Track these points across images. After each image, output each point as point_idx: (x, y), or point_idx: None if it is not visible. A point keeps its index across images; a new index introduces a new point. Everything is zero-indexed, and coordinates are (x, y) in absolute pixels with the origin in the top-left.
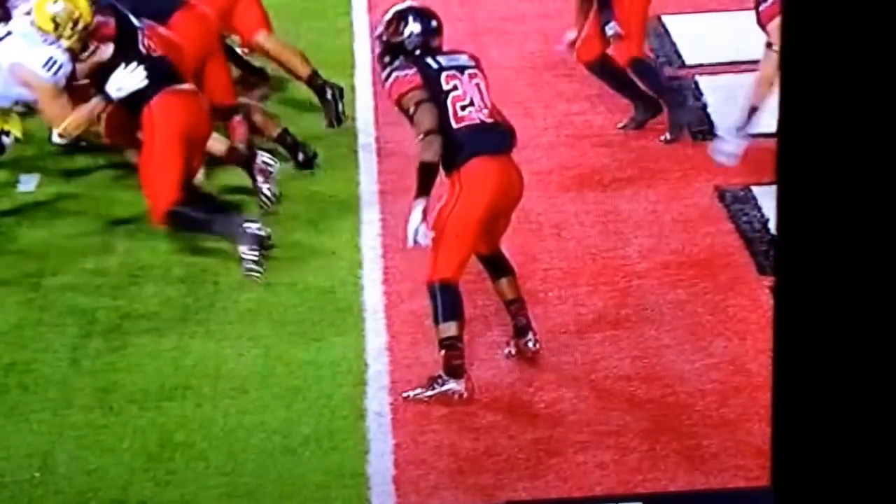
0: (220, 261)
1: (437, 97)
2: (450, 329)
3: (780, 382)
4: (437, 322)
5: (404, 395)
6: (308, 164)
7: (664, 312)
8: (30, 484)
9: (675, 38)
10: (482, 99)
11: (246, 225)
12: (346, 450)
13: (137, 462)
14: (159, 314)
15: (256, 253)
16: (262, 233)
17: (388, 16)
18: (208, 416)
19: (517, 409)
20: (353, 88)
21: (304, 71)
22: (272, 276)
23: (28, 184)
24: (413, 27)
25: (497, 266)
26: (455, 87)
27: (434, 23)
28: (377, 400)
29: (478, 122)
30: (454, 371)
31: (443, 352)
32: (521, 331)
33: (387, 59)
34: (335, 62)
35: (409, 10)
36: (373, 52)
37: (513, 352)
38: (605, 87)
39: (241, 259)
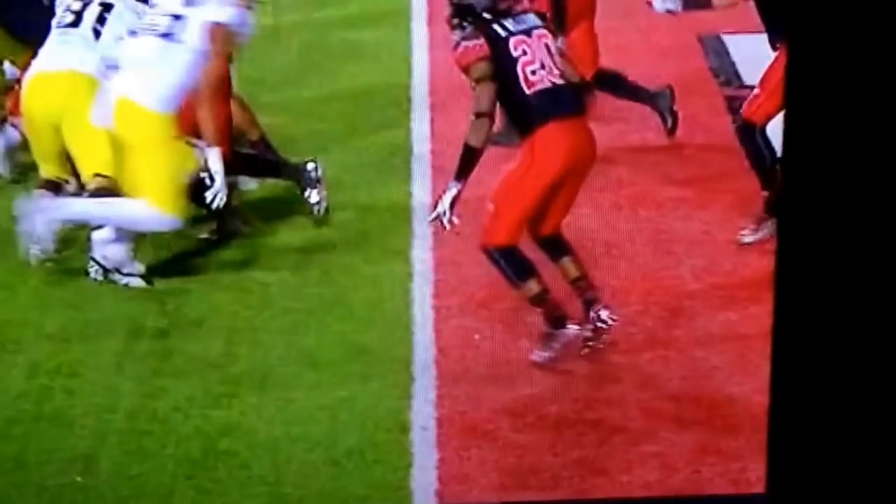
0: (269, 270)
1: (505, 65)
2: (532, 287)
3: (777, 390)
4: (516, 286)
5: (532, 357)
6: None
7: (714, 334)
8: (71, 488)
9: (734, 57)
10: (552, 60)
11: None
12: (390, 463)
13: (180, 469)
14: (207, 321)
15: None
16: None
17: None
18: (253, 425)
19: (563, 426)
20: (409, 100)
21: (255, 134)
22: (322, 288)
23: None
24: None
25: (556, 246)
26: (524, 52)
27: None
28: (422, 414)
29: (550, 85)
30: (558, 321)
31: (539, 310)
32: (590, 304)
33: (455, 20)
34: (392, 74)
35: None
36: (431, 64)
37: (584, 341)
38: None
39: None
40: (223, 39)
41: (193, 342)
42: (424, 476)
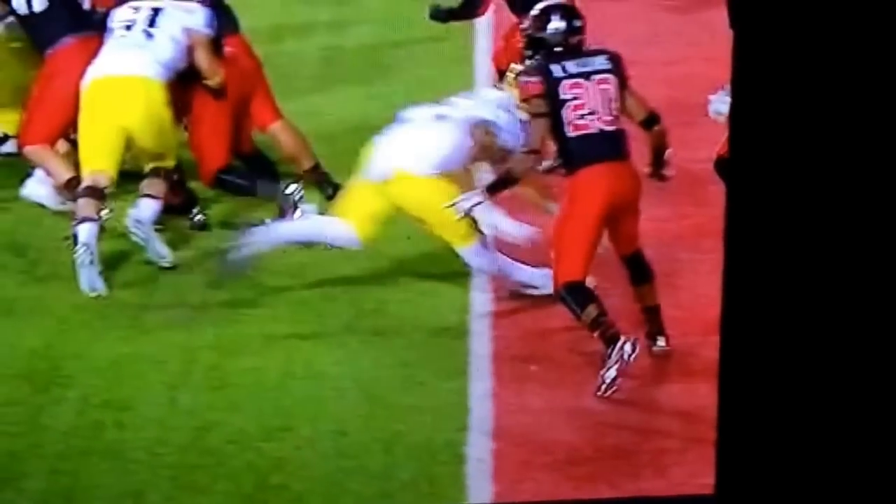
0: (324, 301)
1: (554, 105)
2: (591, 313)
3: (725, 395)
4: (577, 316)
5: (598, 382)
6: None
7: None
8: None
9: None
10: (608, 106)
11: (287, 191)
12: (446, 496)
13: None
14: (261, 353)
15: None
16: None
17: (535, 11)
18: (307, 458)
19: (620, 458)
20: None
21: (308, 163)
22: (380, 319)
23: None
24: (558, 24)
25: (637, 268)
26: (575, 97)
27: (577, 22)
28: (479, 446)
29: (595, 130)
30: (612, 339)
31: (595, 333)
32: (651, 335)
33: (528, 52)
34: (454, 91)
35: (556, 7)
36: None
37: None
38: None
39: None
40: (482, 136)
41: (247, 374)
42: None
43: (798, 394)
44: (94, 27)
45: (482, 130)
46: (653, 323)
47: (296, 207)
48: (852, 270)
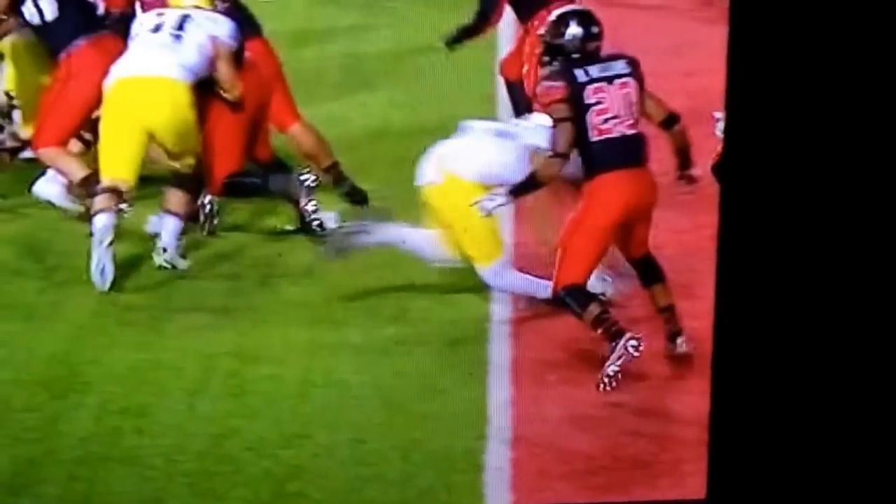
0: (345, 309)
1: (578, 110)
2: (593, 310)
3: (718, 405)
4: (580, 316)
5: (599, 387)
6: (356, 196)
7: None
8: None
9: None
10: (630, 109)
11: (301, 178)
12: None
13: None
14: (282, 359)
15: (315, 202)
16: (316, 183)
17: (553, 17)
18: (324, 466)
19: (638, 468)
20: None
21: (327, 161)
22: (399, 327)
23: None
24: (575, 30)
25: (648, 270)
26: (599, 102)
27: (595, 28)
28: (497, 454)
29: (618, 135)
30: (616, 335)
31: (599, 330)
32: (671, 337)
33: (546, 58)
34: (476, 99)
35: (573, 13)
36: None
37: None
38: None
39: (304, 213)
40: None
41: (266, 381)
42: None
43: (790, 399)
44: (107, 29)
45: (540, 158)
46: (670, 323)
47: (309, 195)
48: (845, 275)
